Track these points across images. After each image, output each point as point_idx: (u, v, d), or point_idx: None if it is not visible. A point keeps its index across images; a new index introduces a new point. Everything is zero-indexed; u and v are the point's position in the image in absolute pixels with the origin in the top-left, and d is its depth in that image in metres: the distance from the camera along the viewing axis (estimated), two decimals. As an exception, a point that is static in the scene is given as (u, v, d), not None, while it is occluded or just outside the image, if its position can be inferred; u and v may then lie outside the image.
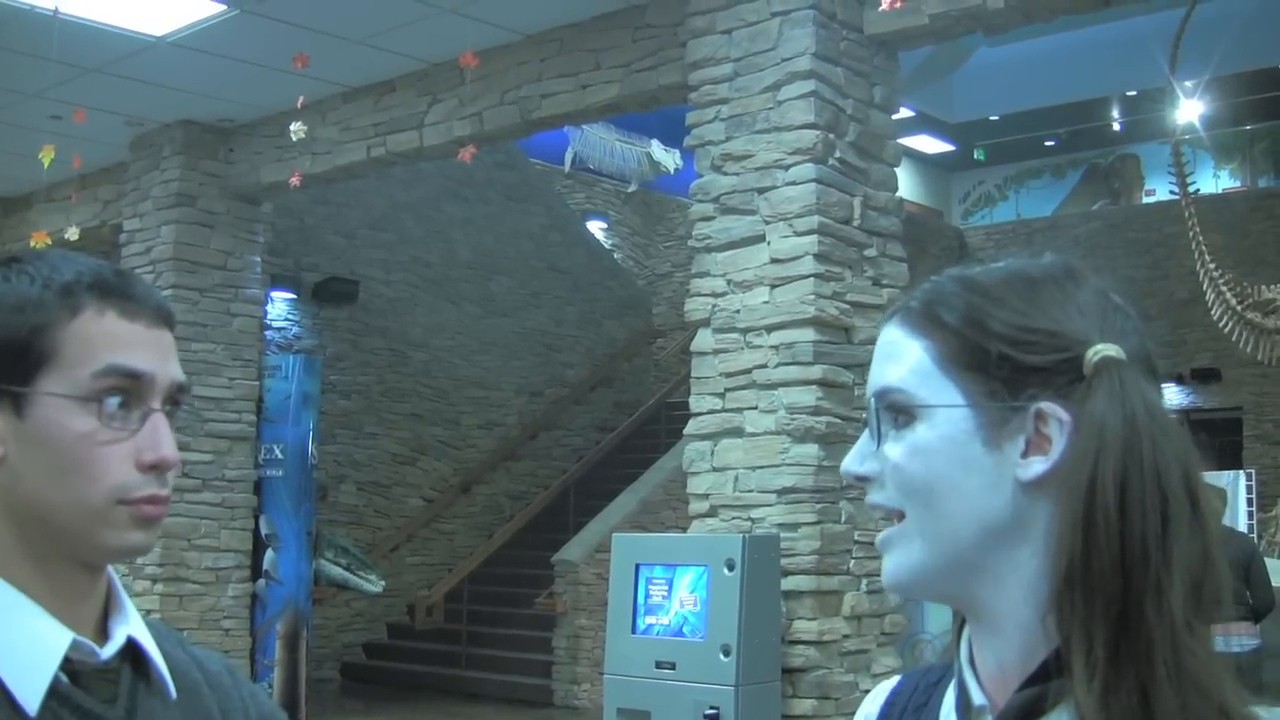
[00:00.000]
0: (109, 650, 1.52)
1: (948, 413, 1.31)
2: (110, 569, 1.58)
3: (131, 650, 1.55)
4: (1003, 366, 1.29)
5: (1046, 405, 1.28)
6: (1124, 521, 1.20)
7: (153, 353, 1.53)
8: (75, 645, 1.48)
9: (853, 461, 1.39)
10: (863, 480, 1.38)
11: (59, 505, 1.47)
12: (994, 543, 1.30)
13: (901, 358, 1.36)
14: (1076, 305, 1.32)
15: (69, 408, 1.47)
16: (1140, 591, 1.19)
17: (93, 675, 1.50)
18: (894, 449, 1.34)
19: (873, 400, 1.37)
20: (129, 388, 1.50)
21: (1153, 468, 1.22)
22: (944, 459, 1.31)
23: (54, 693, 1.44)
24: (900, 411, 1.34)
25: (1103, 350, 1.27)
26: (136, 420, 1.50)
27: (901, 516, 1.35)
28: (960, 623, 1.39)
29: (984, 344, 1.31)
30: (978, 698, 1.33)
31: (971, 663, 1.36)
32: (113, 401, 1.49)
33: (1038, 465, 1.28)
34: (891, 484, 1.35)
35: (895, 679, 1.56)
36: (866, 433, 1.39)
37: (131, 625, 1.56)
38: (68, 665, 1.47)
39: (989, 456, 1.30)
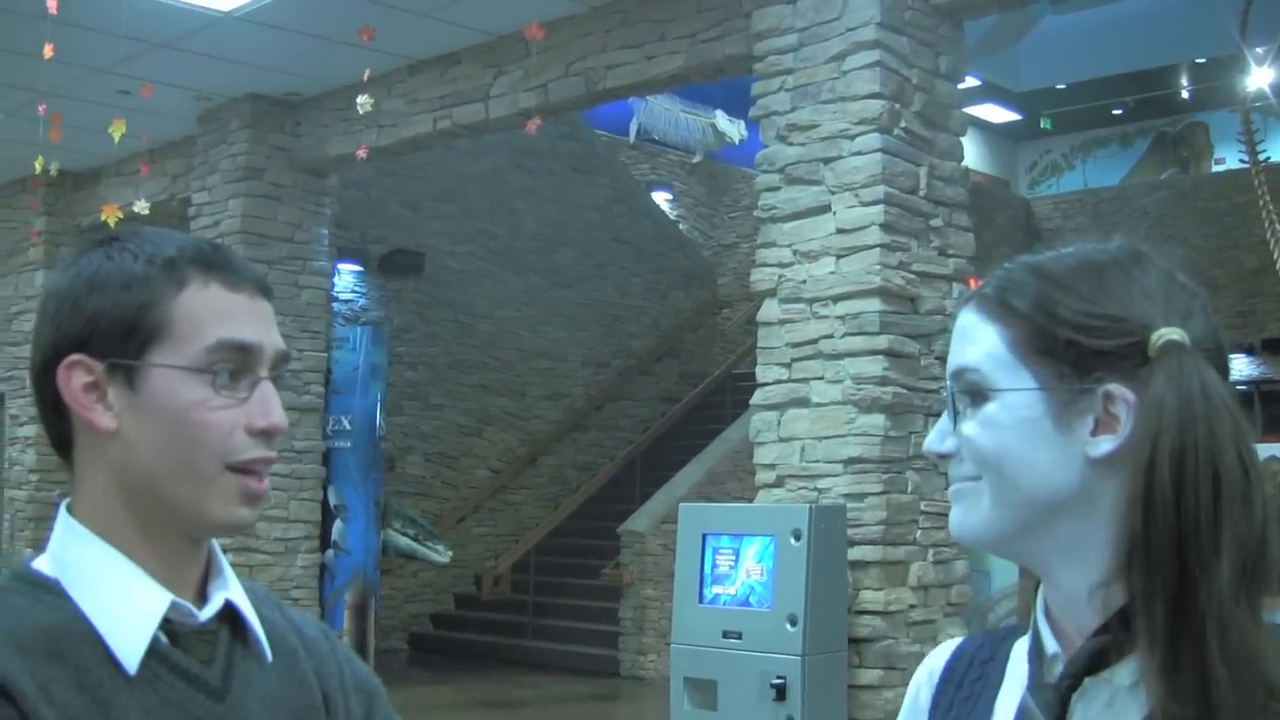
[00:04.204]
0: (207, 613, 1.56)
1: (1018, 394, 1.37)
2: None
3: (229, 614, 1.59)
4: (1071, 352, 1.35)
5: (1114, 387, 1.33)
6: (1179, 501, 1.26)
7: (258, 323, 1.57)
8: (174, 607, 1.52)
9: (934, 440, 1.45)
10: (944, 457, 1.44)
11: (169, 475, 1.51)
12: (1062, 514, 1.36)
13: (976, 341, 1.42)
14: (1142, 289, 1.37)
15: (181, 378, 1.51)
16: (1194, 568, 1.24)
17: (191, 637, 1.54)
18: (969, 426, 1.40)
19: (950, 382, 1.43)
20: (239, 359, 1.54)
21: (1207, 449, 1.27)
22: (1015, 436, 1.37)
23: (153, 652, 1.48)
24: (975, 392, 1.40)
25: (1165, 334, 1.32)
26: (246, 388, 1.54)
27: (978, 479, 1.41)
28: (1036, 581, 1.45)
29: (1053, 330, 1.36)
30: (1051, 646, 1.39)
31: (1048, 616, 1.42)
32: (224, 372, 1.53)
33: (1106, 444, 1.34)
34: (968, 458, 1.41)
35: (959, 639, 1.61)
36: (946, 413, 1.45)
37: (230, 589, 1.60)
38: (166, 626, 1.51)
39: (1059, 435, 1.36)
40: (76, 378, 1.52)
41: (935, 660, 1.60)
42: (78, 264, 1.57)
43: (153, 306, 1.52)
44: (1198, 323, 1.35)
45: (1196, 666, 1.22)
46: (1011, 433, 1.37)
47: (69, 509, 1.56)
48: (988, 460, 1.38)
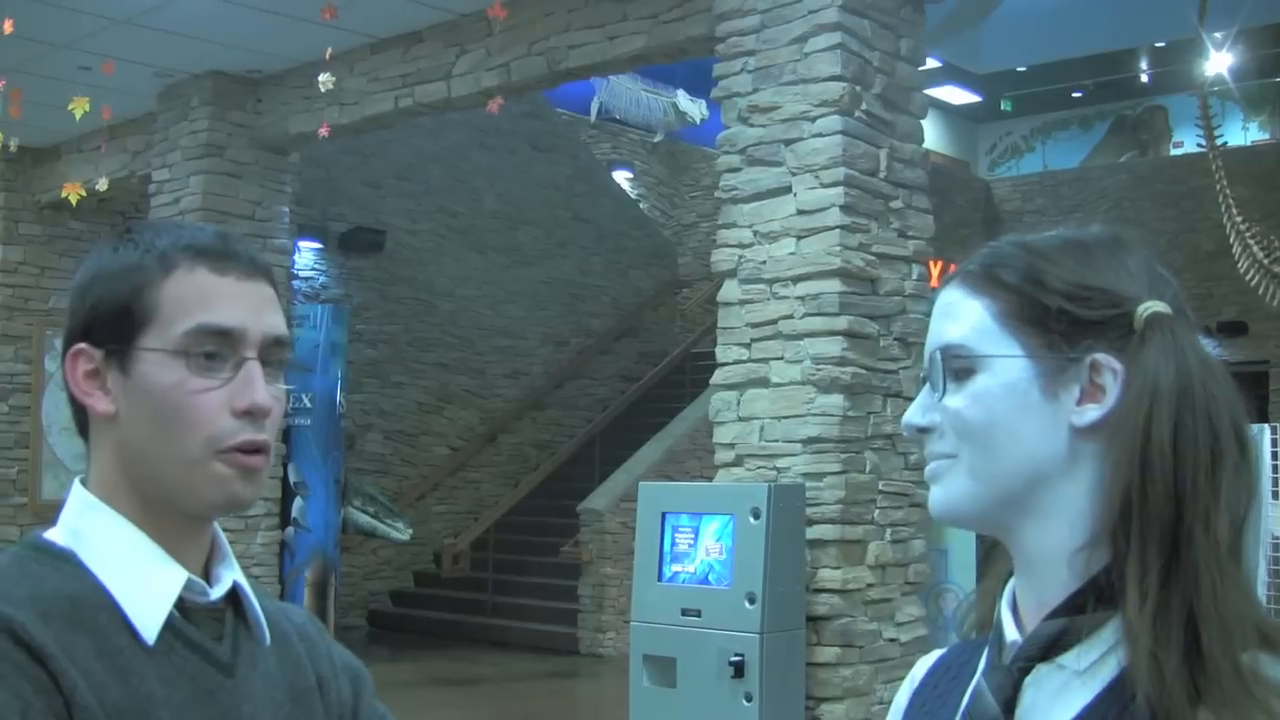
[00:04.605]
0: (218, 591, 1.61)
1: (1007, 363, 1.40)
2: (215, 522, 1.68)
3: (233, 596, 1.64)
4: (1061, 321, 1.39)
5: (1101, 356, 1.37)
6: (1177, 457, 1.30)
7: (244, 306, 1.60)
8: (189, 585, 1.57)
9: (915, 414, 1.47)
10: (924, 432, 1.46)
11: (163, 457, 1.56)
12: (1042, 483, 1.39)
13: (962, 316, 1.44)
14: (1126, 269, 1.41)
15: (164, 361, 1.55)
16: (1191, 520, 1.29)
17: (202, 614, 1.59)
18: (955, 399, 1.43)
19: (937, 355, 1.45)
20: (219, 342, 1.57)
21: (1204, 410, 1.32)
22: (1004, 405, 1.39)
23: (168, 625, 1.53)
24: (961, 365, 1.43)
25: (1153, 306, 1.37)
26: (230, 369, 1.57)
27: (954, 457, 1.44)
28: (995, 585, 1.49)
29: (1043, 299, 1.40)
30: (1010, 634, 1.42)
31: (1014, 607, 1.45)
32: (202, 354, 1.56)
33: (1092, 412, 1.37)
34: (951, 431, 1.43)
35: (944, 650, 1.65)
36: (926, 387, 1.47)
37: (236, 572, 1.65)
38: (178, 602, 1.56)
39: (1046, 404, 1.39)
40: (80, 366, 1.59)
41: (918, 669, 1.64)
42: (91, 257, 1.63)
43: (142, 292, 1.57)
44: (1175, 305, 1.39)
45: (1185, 612, 1.26)
46: (1001, 403, 1.39)
47: (83, 486, 1.61)
48: (974, 432, 1.40)
